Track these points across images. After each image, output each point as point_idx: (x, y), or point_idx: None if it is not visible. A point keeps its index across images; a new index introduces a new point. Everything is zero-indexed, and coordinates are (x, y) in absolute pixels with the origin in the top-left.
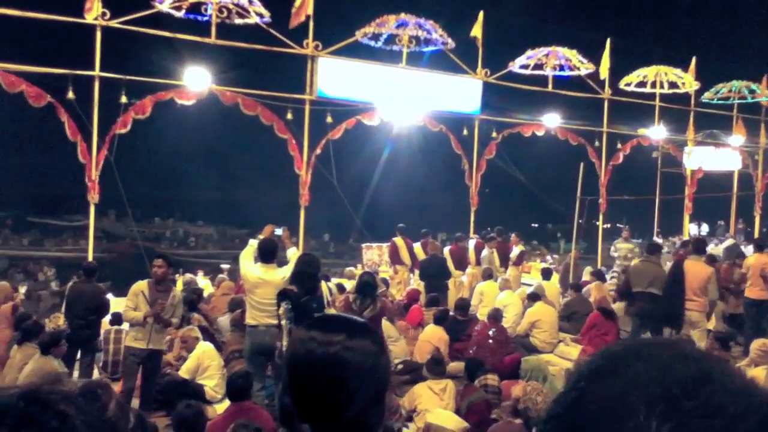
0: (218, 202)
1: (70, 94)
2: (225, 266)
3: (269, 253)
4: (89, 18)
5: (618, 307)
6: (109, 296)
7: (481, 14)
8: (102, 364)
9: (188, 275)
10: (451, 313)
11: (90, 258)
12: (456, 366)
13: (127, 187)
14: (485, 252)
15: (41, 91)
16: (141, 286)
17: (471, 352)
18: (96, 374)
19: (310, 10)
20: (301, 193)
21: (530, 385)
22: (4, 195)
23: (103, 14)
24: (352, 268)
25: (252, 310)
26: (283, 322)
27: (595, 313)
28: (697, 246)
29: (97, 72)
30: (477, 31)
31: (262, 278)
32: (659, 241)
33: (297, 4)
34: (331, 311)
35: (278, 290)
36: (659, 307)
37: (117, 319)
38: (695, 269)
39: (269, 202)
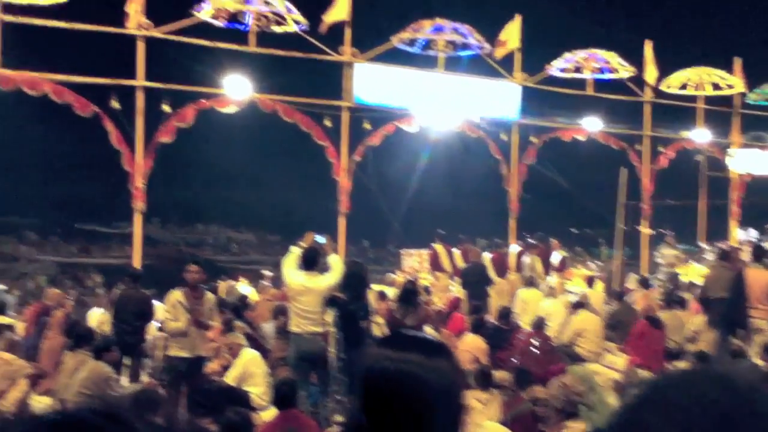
0: (258, 209)
1: (115, 104)
2: (267, 273)
3: (312, 261)
4: (131, 28)
5: (672, 316)
6: (155, 302)
7: (518, 18)
8: (150, 370)
9: (229, 282)
10: (493, 321)
11: (136, 265)
12: (500, 375)
13: (170, 193)
14: (527, 258)
15: (87, 101)
16: (176, 295)
17: (515, 361)
18: (144, 380)
19: (346, 16)
20: (340, 200)
21: (565, 379)
22: (52, 203)
23: (145, 24)
24: (392, 275)
25: (296, 317)
26: (331, 329)
27: (642, 322)
28: (757, 253)
29: (139, 82)
30: (512, 34)
31: (305, 286)
32: (707, 246)
33: (331, 10)
34: (378, 319)
35: (322, 298)
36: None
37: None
38: (757, 276)
39: (308, 208)
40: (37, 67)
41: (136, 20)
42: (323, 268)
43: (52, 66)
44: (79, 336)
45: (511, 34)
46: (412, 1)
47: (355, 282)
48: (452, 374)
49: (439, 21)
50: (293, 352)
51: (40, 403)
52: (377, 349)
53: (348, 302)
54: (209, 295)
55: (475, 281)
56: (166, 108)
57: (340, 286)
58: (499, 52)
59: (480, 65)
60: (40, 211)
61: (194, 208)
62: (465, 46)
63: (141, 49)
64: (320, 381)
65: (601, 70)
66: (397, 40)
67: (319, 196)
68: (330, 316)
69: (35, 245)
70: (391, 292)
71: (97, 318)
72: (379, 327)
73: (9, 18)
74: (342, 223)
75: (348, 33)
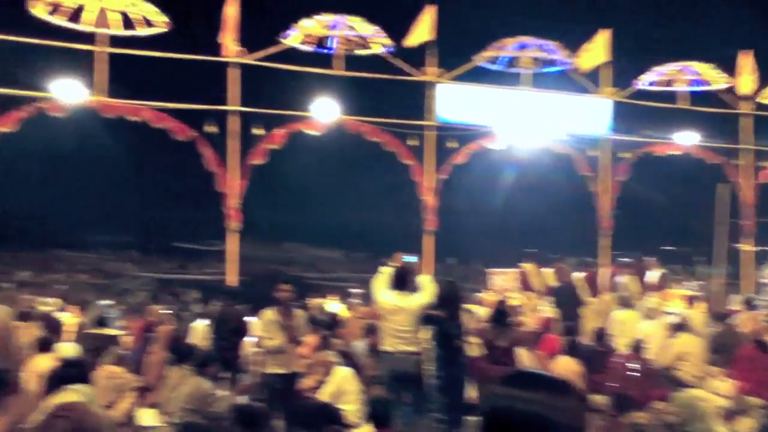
0: (344, 227)
1: (210, 128)
2: (355, 290)
3: (402, 281)
4: (226, 56)
5: None
6: (249, 318)
7: (605, 32)
8: (246, 385)
9: (320, 299)
10: (587, 343)
11: (231, 281)
12: (596, 399)
13: (260, 213)
14: (621, 278)
15: (185, 126)
16: (270, 314)
17: (612, 385)
18: (242, 395)
19: (430, 36)
20: (426, 218)
21: (667, 405)
22: (151, 223)
23: (239, 52)
24: (480, 294)
25: (388, 336)
26: (425, 347)
27: (749, 346)
28: None
29: (233, 106)
30: (600, 48)
31: (396, 305)
32: None
33: (414, 31)
34: (472, 339)
35: (415, 317)
36: None
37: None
38: None
39: (392, 226)
40: (138, 96)
41: (230, 49)
42: (414, 288)
43: (151, 94)
44: (181, 352)
45: (599, 48)
46: (493, 20)
47: (449, 301)
48: (580, 414)
49: (523, 38)
50: (386, 371)
51: (146, 414)
52: (502, 388)
53: (446, 320)
54: (300, 312)
55: (568, 301)
56: (257, 131)
57: (434, 305)
58: (585, 63)
59: (566, 81)
60: (140, 231)
61: (282, 226)
62: (550, 63)
63: (234, 75)
64: (414, 401)
65: (694, 83)
66: (481, 59)
67: (404, 215)
68: (425, 334)
69: (136, 262)
70: (480, 312)
71: (201, 330)
72: (473, 347)
73: (116, 50)
74: (428, 242)
75: (431, 53)
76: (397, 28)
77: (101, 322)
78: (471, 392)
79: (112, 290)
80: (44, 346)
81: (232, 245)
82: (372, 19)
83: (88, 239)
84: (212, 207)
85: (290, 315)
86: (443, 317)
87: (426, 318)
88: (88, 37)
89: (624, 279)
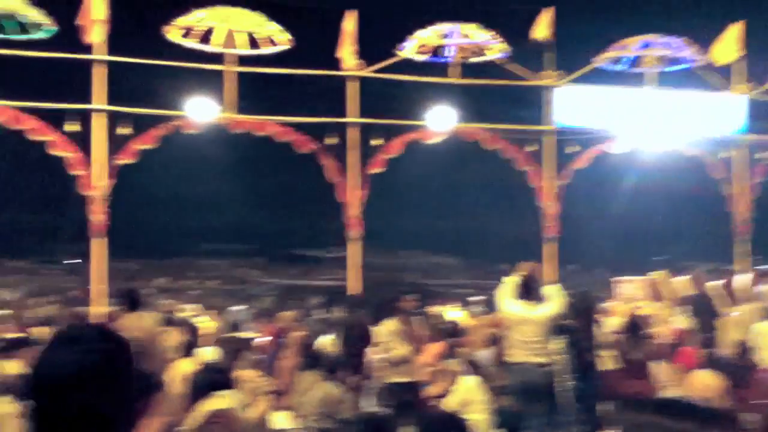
0: (461, 234)
1: (330, 140)
2: (475, 298)
3: (529, 290)
4: (345, 70)
5: None
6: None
7: (739, 24)
8: (371, 392)
9: (440, 307)
10: (727, 357)
11: (351, 289)
12: (750, 418)
13: (377, 220)
14: (764, 287)
15: (307, 139)
16: (393, 324)
17: (761, 402)
18: (368, 403)
19: (548, 38)
20: (547, 224)
21: None
22: (275, 231)
23: (358, 66)
24: (607, 303)
25: (515, 347)
26: (558, 357)
27: None
28: None
29: (351, 118)
30: (732, 42)
31: (523, 316)
32: None
33: (535, 28)
34: (604, 353)
35: (544, 328)
36: None
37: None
38: None
39: (511, 233)
40: (263, 111)
41: (348, 63)
42: (539, 297)
43: (275, 109)
44: (312, 357)
45: (731, 42)
46: (612, 20)
47: (582, 312)
48: None
49: (647, 37)
50: (514, 382)
51: (280, 418)
52: (650, 416)
53: (576, 332)
54: (421, 320)
55: (704, 312)
56: (376, 142)
57: (565, 316)
58: (718, 58)
59: (695, 79)
60: (265, 239)
61: (399, 234)
62: (676, 61)
63: (353, 88)
64: (544, 412)
65: None
66: (601, 61)
67: (521, 221)
68: (556, 345)
69: (262, 269)
70: (610, 322)
71: (328, 341)
72: (605, 359)
73: (243, 69)
74: (549, 249)
75: (549, 57)
76: (513, 33)
77: (236, 327)
78: (604, 406)
79: (240, 296)
80: (188, 350)
81: (353, 253)
82: (488, 24)
83: (219, 248)
84: (332, 216)
85: (412, 323)
86: (576, 328)
87: (559, 329)
88: (218, 58)
89: (766, 288)
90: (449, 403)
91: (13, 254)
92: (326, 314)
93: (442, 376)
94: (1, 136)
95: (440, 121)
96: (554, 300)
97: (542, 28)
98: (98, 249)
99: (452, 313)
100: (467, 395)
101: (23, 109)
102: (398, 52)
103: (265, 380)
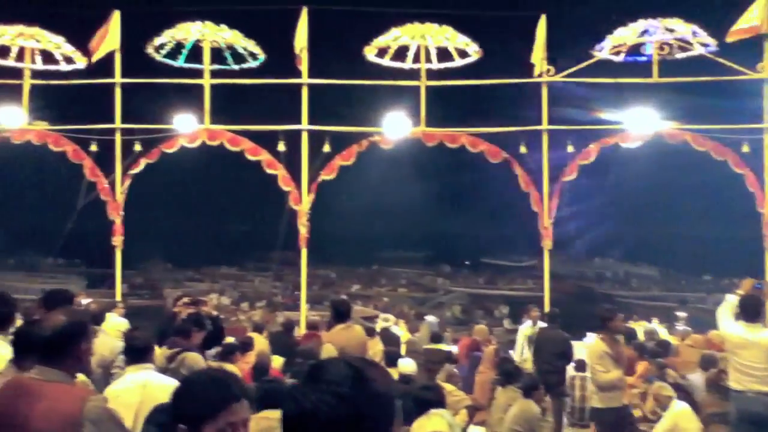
0: (662, 243)
1: (522, 149)
2: (681, 314)
3: (754, 311)
4: (537, 77)
5: None
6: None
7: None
8: (570, 410)
9: (648, 324)
10: None
11: (547, 301)
12: None
13: (571, 228)
14: None
15: (498, 149)
16: (600, 345)
17: None
18: (564, 420)
19: (761, 27)
20: (765, 234)
21: None
22: (463, 239)
23: (549, 71)
24: None
25: (736, 373)
26: None
27: None
28: None
29: (544, 126)
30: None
31: (746, 339)
32: None
33: (743, 19)
34: None
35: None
36: None
37: (581, 365)
38: None
39: (727, 244)
40: (453, 122)
41: (540, 68)
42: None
43: (465, 120)
44: (508, 373)
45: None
46: None
47: None
48: None
49: None
50: (734, 411)
51: None
52: None
53: None
54: (623, 338)
55: None
56: (570, 149)
57: None
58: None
59: None
60: (451, 247)
61: (593, 242)
62: None
63: (544, 94)
64: None
65: None
66: None
67: (738, 229)
68: None
69: (449, 277)
70: None
71: (527, 357)
72: None
73: (436, 83)
74: None
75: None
76: (717, 24)
77: (436, 339)
78: None
79: (429, 304)
80: (391, 360)
81: (547, 263)
82: (688, 18)
83: (407, 255)
84: (521, 224)
85: (616, 341)
86: None
87: None
88: (409, 74)
89: None
90: (660, 429)
91: (222, 262)
92: (512, 325)
93: (649, 398)
94: (218, 156)
95: (639, 123)
96: None
97: (748, 16)
98: (304, 258)
99: (656, 329)
100: (679, 422)
101: (237, 132)
102: (595, 53)
103: (463, 394)
